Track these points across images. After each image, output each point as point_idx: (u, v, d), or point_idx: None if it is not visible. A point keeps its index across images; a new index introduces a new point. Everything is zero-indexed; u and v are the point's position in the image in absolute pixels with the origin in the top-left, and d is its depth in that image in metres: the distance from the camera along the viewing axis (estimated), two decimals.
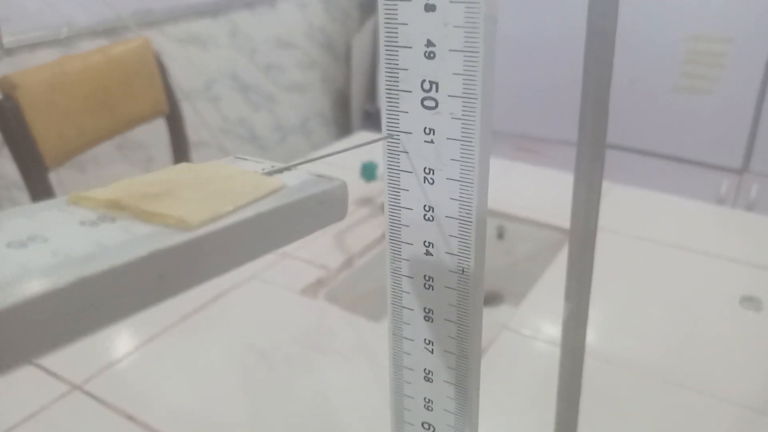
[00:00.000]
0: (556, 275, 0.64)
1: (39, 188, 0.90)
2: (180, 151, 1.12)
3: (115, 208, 0.13)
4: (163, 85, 1.07)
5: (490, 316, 0.79)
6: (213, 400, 0.48)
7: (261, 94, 1.62)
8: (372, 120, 1.75)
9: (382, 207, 0.78)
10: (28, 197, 0.92)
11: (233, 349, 0.54)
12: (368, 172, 0.76)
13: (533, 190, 0.85)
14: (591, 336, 0.54)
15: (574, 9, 1.30)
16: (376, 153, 0.82)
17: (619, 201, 0.80)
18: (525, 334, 0.55)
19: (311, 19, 1.71)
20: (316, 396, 0.48)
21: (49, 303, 0.10)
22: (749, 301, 0.59)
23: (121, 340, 0.54)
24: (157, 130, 1.14)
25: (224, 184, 0.14)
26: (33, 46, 1.14)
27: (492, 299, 0.82)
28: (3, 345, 0.09)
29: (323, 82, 1.81)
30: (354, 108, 1.85)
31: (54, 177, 1.01)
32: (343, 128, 1.92)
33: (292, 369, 0.51)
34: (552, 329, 0.56)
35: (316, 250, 0.70)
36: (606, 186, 0.95)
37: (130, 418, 0.46)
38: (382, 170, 0.82)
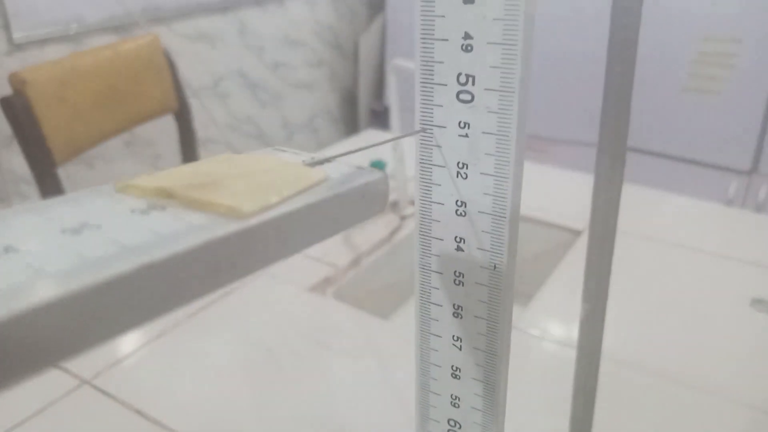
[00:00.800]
0: (564, 276, 0.64)
1: (48, 183, 0.90)
2: (188, 147, 1.12)
3: (164, 196, 0.13)
4: (172, 81, 1.07)
5: None
6: (221, 397, 0.47)
7: (269, 92, 1.62)
8: (379, 118, 1.75)
9: (391, 205, 0.78)
10: (37, 192, 0.92)
11: (241, 345, 0.54)
12: (379, 168, 0.76)
13: (542, 190, 0.85)
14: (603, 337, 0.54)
15: (586, 12, 1.30)
16: (385, 151, 0.82)
17: (628, 201, 0.79)
18: (533, 334, 0.55)
19: (319, 17, 1.70)
20: (323, 393, 0.48)
21: (109, 293, 0.09)
22: (760, 303, 0.59)
23: (130, 336, 0.54)
24: (165, 126, 1.14)
25: (269, 175, 0.14)
26: (43, 42, 1.14)
27: None
28: (69, 334, 0.09)
29: (331, 80, 1.81)
30: (361, 106, 1.85)
31: (62, 172, 1.01)
32: (350, 126, 1.92)
33: (299, 366, 0.51)
34: (560, 330, 0.56)
35: (324, 248, 0.70)
36: None
37: (139, 412, 0.46)
38: (390, 169, 0.83)
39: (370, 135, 1.08)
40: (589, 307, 0.41)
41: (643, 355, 0.52)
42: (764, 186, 1.26)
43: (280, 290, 0.62)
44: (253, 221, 0.12)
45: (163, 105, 1.07)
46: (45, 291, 0.09)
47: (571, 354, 0.40)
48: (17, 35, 1.10)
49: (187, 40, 1.38)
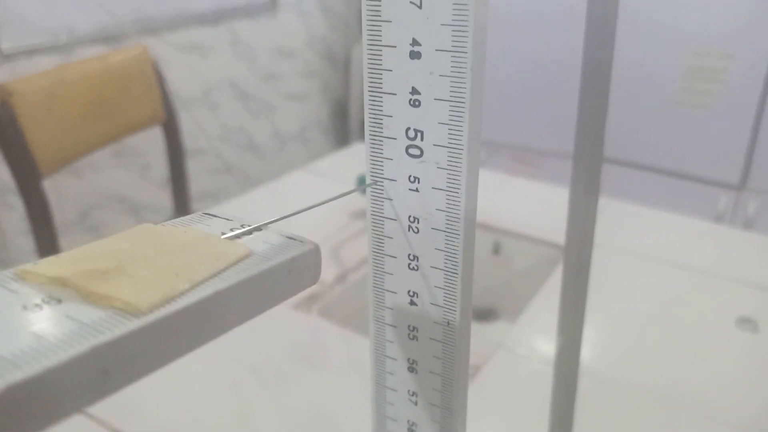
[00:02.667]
0: (552, 292, 0.63)
1: (33, 196, 0.90)
2: (175, 159, 1.11)
3: (63, 285, 0.12)
4: (160, 93, 1.06)
5: (485, 332, 0.78)
6: (203, 416, 0.47)
7: (260, 103, 1.62)
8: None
9: None
10: (24, 205, 0.91)
11: (224, 363, 0.53)
12: (364, 184, 0.75)
13: (530, 205, 0.84)
14: (584, 355, 0.53)
15: (574, 23, 1.30)
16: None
17: (616, 217, 0.79)
18: (520, 353, 0.54)
19: (311, 29, 1.70)
20: (308, 412, 0.47)
21: None
22: (746, 323, 0.58)
23: None
24: (154, 137, 1.13)
25: (183, 256, 0.13)
26: (32, 52, 1.14)
27: (487, 315, 0.81)
28: None
29: (322, 91, 1.81)
30: (352, 117, 1.85)
31: (50, 183, 1.00)
32: (342, 137, 1.91)
33: (284, 385, 0.50)
34: (548, 348, 0.55)
35: None
36: (603, 201, 0.94)
37: (118, 431, 0.45)
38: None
39: (360, 148, 1.07)
40: (564, 339, 0.40)
41: (627, 373, 0.51)
42: (753, 201, 1.26)
43: None
44: (151, 317, 0.11)
45: (151, 116, 1.06)
46: None
47: None
48: (6, 45, 1.10)
49: (178, 51, 1.38)
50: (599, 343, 0.55)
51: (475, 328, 0.82)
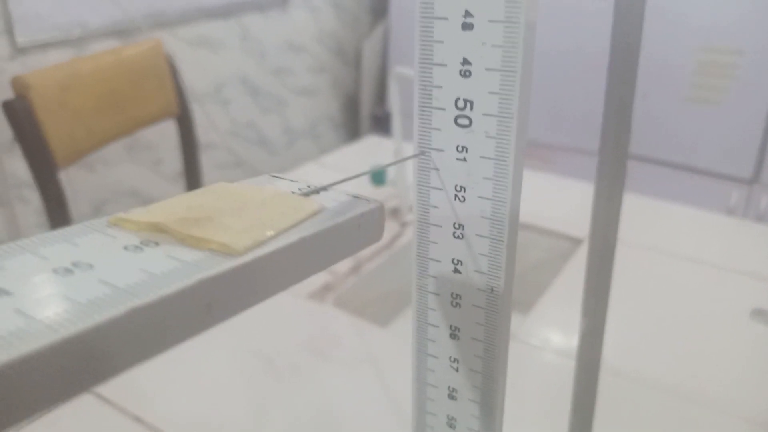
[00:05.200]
0: (565, 285, 0.63)
1: (49, 187, 0.91)
2: (189, 153, 1.12)
3: (158, 231, 0.13)
4: (174, 87, 1.07)
5: None
6: (219, 405, 0.47)
7: (271, 98, 1.62)
8: (381, 124, 1.75)
9: (392, 212, 0.78)
10: (39, 196, 0.92)
11: (239, 354, 0.54)
12: (377, 176, 0.76)
13: (543, 198, 0.85)
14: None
15: (594, 15, 1.30)
16: (386, 158, 0.82)
17: (629, 210, 0.79)
18: (533, 344, 0.55)
19: (322, 24, 1.71)
20: (321, 403, 0.48)
21: (100, 338, 0.09)
22: (760, 315, 0.58)
23: None
24: (167, 131, 1.14)
25: (264, 208, 0.14)
26: (45, 46, 1.15)
27: None
28: (62, 377, 0.09)
29: (333, 86, 1.81)
30: (363, 112, 1.85)
31: (64, 176, 1.01)
32: (352, 132, 1.92)
33: (298, 375, 0.50)
34: (561, 340, 0.55)
35: None
36: None
37: (138, 419, 0.46)
38: (392, 175, 0.82)
39: (371, 141, 1.08)
40: (588, 322, 0.41)
41: (642, 366, 0.52)
42: (765, 195, 1.26)
43: (279, 297, 0.62)
44: (247, 258, 0.12)
45: (165, 110, 1.07)
46: (35, 340, 0.09)
47: (571, 364, 0.40)
48: (20, 39, 1.10)
49: (189, 46, 1.39)
50: (613, 336, 0.56)
51: None
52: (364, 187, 0.76)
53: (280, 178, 0.17)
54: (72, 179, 1.23)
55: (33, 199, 1.16)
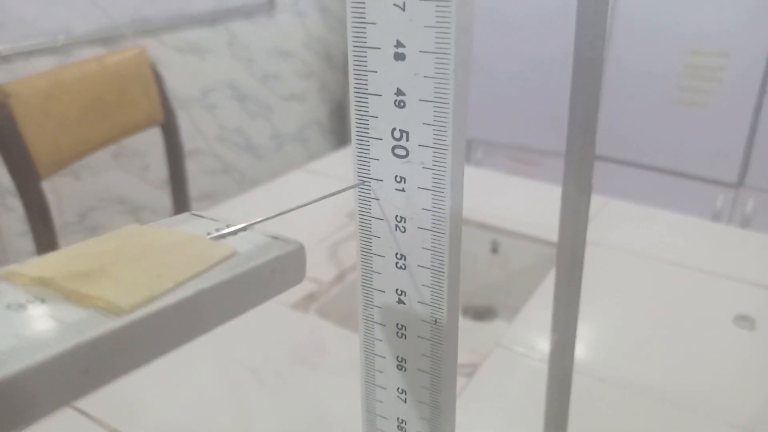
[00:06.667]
0: (550, 290, 0.63)
1: (32, 197, 0.90)
2: (175, 160, 1.11)
3: (46, 286, 0.12)
4: (158, 94, 1.07)
5: (483, 330, 0.78)
6: (202, 416, 0.47)
7: (258, 103, 1.62)
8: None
9: None
10: (22, 206, 0.92)
11: (223, 363, 0.53)
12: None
13: (528, 204, 0.85)
14: (582, 353, 0.53)
15: (569, 23, 1.30)
16: None
17: (614, 215, 0.79)
18: (518, 351, 0.54)
19: (309, 29, 1.70)
20: (307, 412, 0.47)
21: None
22: (743, 320, 0.58)
23: None
24: (154, 138, 1.14)
25: (166, 256, 0.13)
26: (29, 54, 1.14)
27: (485, 314, 0.81)
28: None
29: (320, 91, 1.81)
30: (351, 117, 1.85)
31: (49, 184, 1.01)
32: (340, 137, 1.91)
33: (282, 385, 0.50)
34: (545, 346, 0.55)
35: (308, 264, 0.69)
36: (601, 200, 0.95)
37: None
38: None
39: None
40: (558, 337, 0.41)
41: (624, 371, 0.51)
42: (751, 199, 1.26)
43: (262, 307, 0.61)
44: (134, 316, 0.11)
45: (150, 117, 1.06)
46: None
47: None
48: (3, 46, 1.10)
49: (176, 52, 1.38)
50: (597, 341, 0.56)
51: (473, 326, 0.82)
52: (350, 193, 0.76)
53: (201, 216, 0.16)
54: (57, 187, 1.23)
55: (17, 207, 1.15)
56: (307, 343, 0.56)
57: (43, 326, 0.11)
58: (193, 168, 1.41)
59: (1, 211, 1.17)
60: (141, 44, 1.22)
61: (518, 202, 0.85)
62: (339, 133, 1.92)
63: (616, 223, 0.77)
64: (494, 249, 0.80)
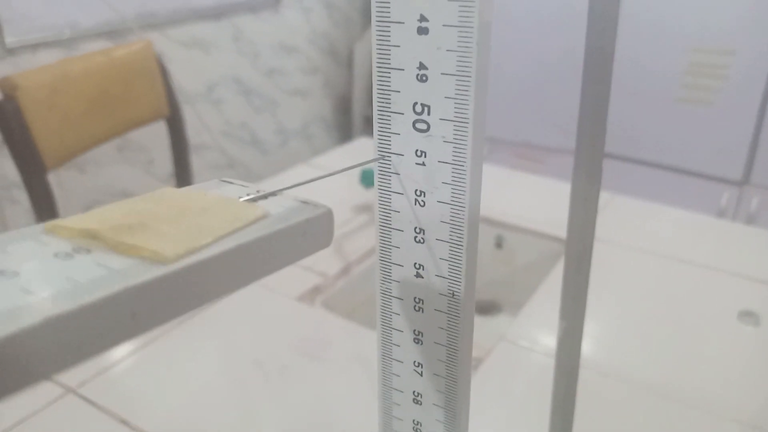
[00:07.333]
0: (554, 286, 0.63)
1: (38, 189, 0.90)
2: (180, 154, 1.12)
3: (91, 238, 0.13)
4: (164, 88, 1.07)
5: (488, 325, 0.79)
6: (207, 408, 0.47)
7: (263, 98, 1.62)
8: (373, 125, 1.75)
9: None
10: (28, 197, 0.92)
11: (228, 356, 0.53)
12: (368, 178, 0.76)
13: (533, 200, 0.85)
14: (587, 348, 0.53)
15: (577, 20, 1.30)
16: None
17: (619, 211, 0.80)
18: (522, 345, 0.55)
19: (314, 25, 1.71)
20: (311, 405, 0.48)
21: (14, 343, 0.09)
22: (747, 316, 0.58)
23: None
24: (159, 132, 1.14)
25: (204, 215, 0.14)
26: (35, 47, 1.14)
27: (490, 309, 0.82)
28: None
29: (325, 86, 1.81)
30: (355, 113, 1.85)
31: (54, 177, 1.01)
32: (345, 133, 1.92)
33: (287, 377, 0.50)
34: (550, 341, 0.56)
35: (314, 257, 0.70)
36: (606, 196, 0.95)
37: (124, 422, 0.45)
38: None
39: (363, 143, 1.08)
40: (566, 324, 0.41)
41: (629, 366, 0.52)
42: (756, 196, 1.26)
43: (267, 299, 0.62)
44: (177, 266, 0.12)
45: (155, 111, 1.07)
46: None
47: None
48: (10, 40, 1.10)
49: (181, 47, 1.38)
50: (601, 337, 0.56)
51: (478, 321, 0.82)
52: (355, 188, 0.76)
53: (231, 182, 0.17)
54: (62, 180, 1.23)
55: (22, 199, 1.15)
56: (312, 336, 0.56)
57: (91, 272, 0.11)
58: (198, 162, 1.41)
59: (7, 203, 1.17)
60: (146, 38, 1.22)
61: (523, 198, 0.85)
62: (343, 128, 1.92)
63: (621, 219, 0.77)
64: (499, 244, 0.80)
